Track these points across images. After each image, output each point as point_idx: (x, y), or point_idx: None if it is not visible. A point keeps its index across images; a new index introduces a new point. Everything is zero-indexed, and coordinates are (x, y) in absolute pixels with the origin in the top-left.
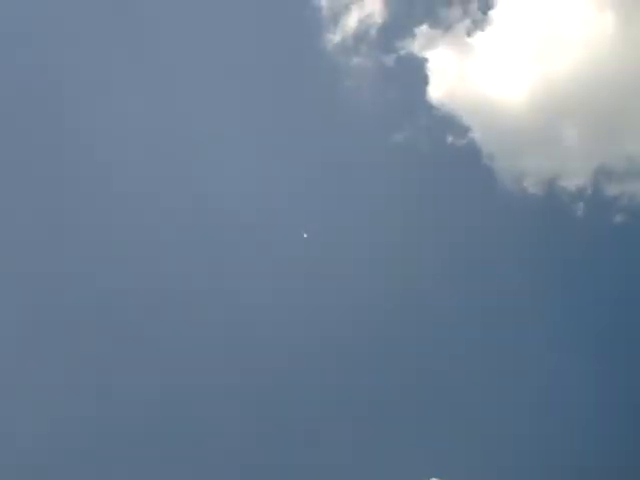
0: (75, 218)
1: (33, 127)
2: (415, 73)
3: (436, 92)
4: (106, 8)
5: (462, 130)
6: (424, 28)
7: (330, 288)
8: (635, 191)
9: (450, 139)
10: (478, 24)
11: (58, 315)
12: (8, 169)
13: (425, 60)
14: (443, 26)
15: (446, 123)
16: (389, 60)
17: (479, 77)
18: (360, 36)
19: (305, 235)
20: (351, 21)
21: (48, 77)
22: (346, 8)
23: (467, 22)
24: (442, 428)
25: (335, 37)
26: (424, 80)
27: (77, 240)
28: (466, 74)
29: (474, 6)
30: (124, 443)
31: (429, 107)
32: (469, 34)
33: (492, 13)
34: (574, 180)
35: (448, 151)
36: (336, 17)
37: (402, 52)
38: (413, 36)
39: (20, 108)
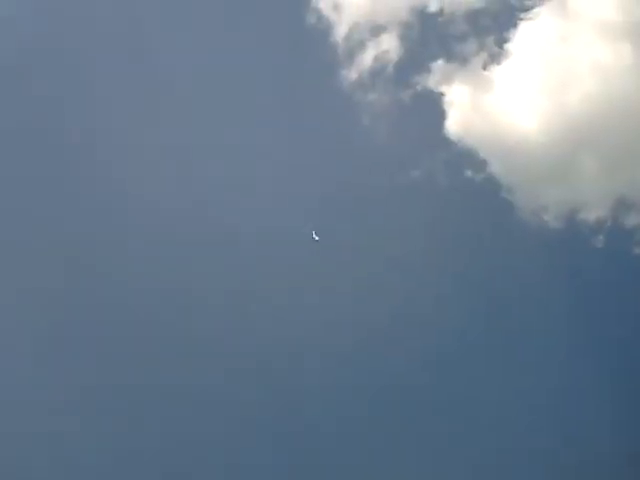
0: None
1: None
2: (432, 108)
3: (453, 126)
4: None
5: (480, 164)
6: (440, 63)
7: (348, 321)
8: None
9: (468, 173)
10: (494, 58)
11: None
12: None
13: (442, 95)
14: (459, 60)
15: (464, 157)
16: (406, 95)
17: (496, 110)
18: (376, 72)
19: (316, 237)
20: (367, 58)
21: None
22: (362, 45)
23: (483, 56)
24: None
25: (352, 74)
26: (441, 115)
27: None
28: (483, 108)
29: (490, 40)
30: None
31: (447, 142)
32: (485, 68)
33: (508, 46)
34: (593, 212)
35: (467, 185)
36: (352, 54)
37: (418, 87)
38: (429, 71)
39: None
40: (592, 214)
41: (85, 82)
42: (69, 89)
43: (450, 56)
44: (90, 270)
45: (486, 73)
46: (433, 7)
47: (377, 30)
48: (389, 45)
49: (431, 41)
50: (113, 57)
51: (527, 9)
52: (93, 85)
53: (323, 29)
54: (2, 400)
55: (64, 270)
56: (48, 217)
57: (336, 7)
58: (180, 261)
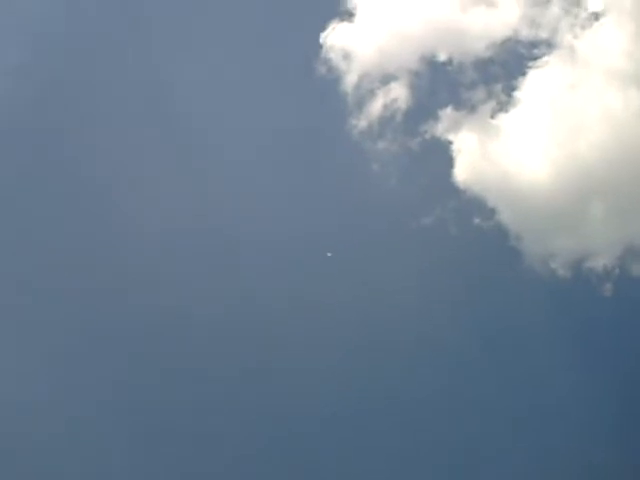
0: None
1: None
2: (440, 155)
3: (462, 174)
4: None
5: (489, 212)
6: (448, 110)
7: (353, 367)
8: None
9: (477, 221)
10: (503, 106)
11: None
12: None
13: (450, 142)
14: (467, 108)
15: (473, 205)
16: (415, 143)
17: (504, 158)
18: (386, 120)
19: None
20: (377, 106)
21: None
22: (371, 93)
23: (492, 104)
24: None
25: (361, 122)
26: (449, 162)
27: None
28: (491, 155)
29: (498, 88)
30: None
31: (455, 190)
32: (493, 116)
33: (517, 94)
34: (601, 260)
35: (475, 233)
36: (362, 102)
37: (427, 135)
38: (437, 119)
39: None
40: (600, 262)
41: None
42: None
43: (458, 104)
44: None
45: (494, 121)
46: (442, 56)
47: (387, 79)
48: (398, 93)
49: (440, 89)
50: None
51: (536, 57)
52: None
53: (333, 78)
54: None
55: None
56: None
57: (346, 56)
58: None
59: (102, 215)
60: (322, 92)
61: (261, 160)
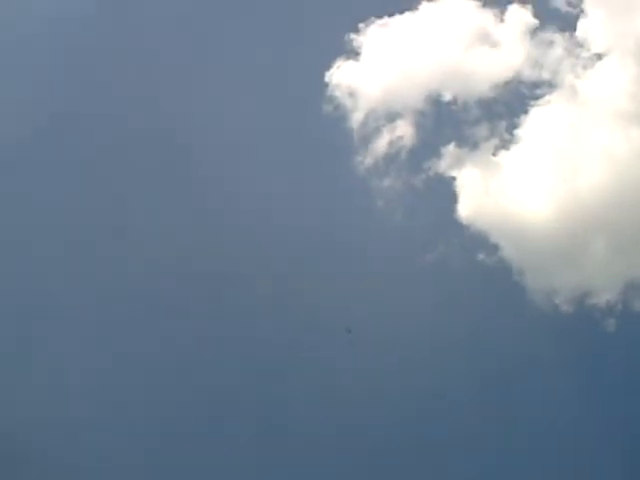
0: None
1: None
2: (444, 192)
3: (465, 211)
4: None
5: (492, 248)
6: (451, 147)
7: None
8: None
9: (481, 257)
10: (505, 143)
11: None
12: None
13: (453, 179)
14: (470, 145)
15: (476, 241)
16: (418, 180)
17: (506, 195)
18: (390, 158)
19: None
20: (382, 143)
21: None
22: (377, 131)
23: (494, 141)
24: None
25: (367, 160)
26: (453, 199)
27: None
28: (493, 192)
29: (501, 126)
30: None
31: (459, 226)
32: (495, 153)
33: (519, 132)
34: (604, 296)
35: (479, 269)
36: (367, 140)
37: (430, 172)
38: (440, 156)
39: None
40: (603, 298)
41: None
42: None
43: (461, 141)
44: None
45: (496, 158)
46: (447, 95)
47: (392, 117)
48: (403, 131)
49: (443, 127)
50: None
51: (538, 97)
52: None
53: (340, 116)
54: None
55: None
56: None
57: (352, 94)
58: None
59: None
60: (328, 129)
61: (268, 195)
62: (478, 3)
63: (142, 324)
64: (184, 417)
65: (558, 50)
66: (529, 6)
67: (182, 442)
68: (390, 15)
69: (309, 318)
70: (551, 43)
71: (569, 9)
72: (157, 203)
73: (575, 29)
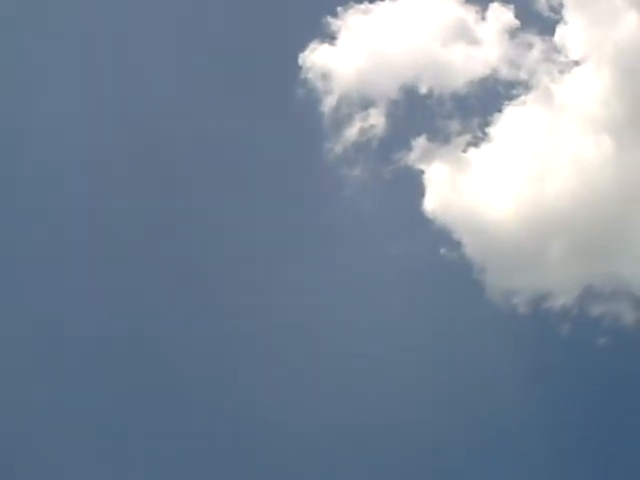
0: None
1: None
2: (411, 185)
3: (430, 205)
4: None
5: (454, 244)
6: (422, 140)
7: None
8: (619, 312)
9: (443, 251)
10: (476, 141)
11: None
12: None
13: (422, 172)
14: (441, 139)
15: (439, 236)
16: (387, 172)
17: (473, 192)
18: (360, 146)
19: None
20: (353, 131)
21: None
22: (349, 117)
23: (466, 137)
24: None
25: (336, 147)
26: (420, 192)
27: None
28: (460, 188)
29: (473, 123)
30: None
31: (424, 219)
32: (465, 150)
33: (490, 131)
34: (560, 300)
35: (441, 264)
36: (338, 126)
37: (400, 164)
38: (411, 148)
39: None
40: (559, 302)
41: None
42: None
43: (433, 135)
44: None
45: (466, 155)
46: (421, 87)
47: (365, 104)
48: (376, 120)
49: (416, 119)
50: None
51: (513, 97)
52: None
53: (312, 99)
54: None
55: None
56: None
57: (326, 77)
58: None
59: None
60: (299, 112)
61: (229, 171)
62: None
63: None
64: None
65: (536, 53)
66: (511, 6)
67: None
68: (371, 1)
69: (261, 303)
70: (530, 45)
71: (550, 14)
72: None
73: (554, 34)
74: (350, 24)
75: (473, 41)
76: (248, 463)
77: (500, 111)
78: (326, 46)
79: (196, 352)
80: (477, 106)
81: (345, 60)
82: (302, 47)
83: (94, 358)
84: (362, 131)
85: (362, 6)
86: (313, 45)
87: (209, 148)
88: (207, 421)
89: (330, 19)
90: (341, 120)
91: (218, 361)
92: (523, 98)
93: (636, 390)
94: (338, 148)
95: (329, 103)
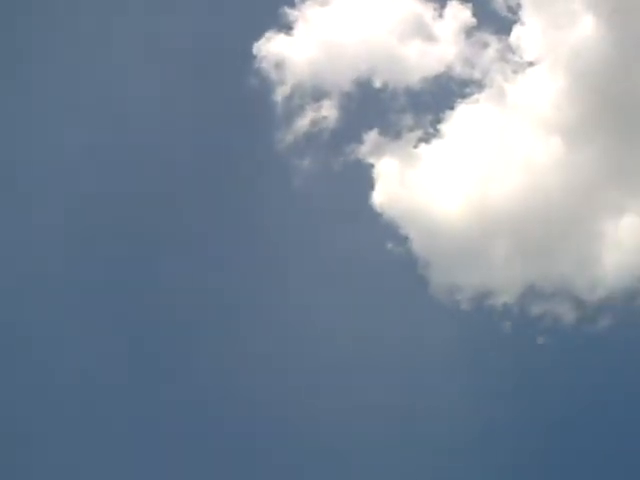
0: None
1: None
2: (361, 178)
3: (379, 199)
4: None
5: (401, 238)
6: (373, 134)
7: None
8: (560, 312)
9: (389, 246)
10: (427, 136)
11: None
12: None
13: (371, 166)
14: (392, 134)
15: (386, 230)
16: (337, 164)
17: (421, 188)
18: (312, 137)
19: None
20: (305, 122)
21: None
22: (302, 108)
23: (417, 133)
24: None
25: (287, 136)
26: (369, 186)
27: None
28: (409, 184)
29: (426, 119)
30: None
31: (372, 213)
32: (416, 145)
33: (442, 128)
34: (502, 298)
35: (387, 258)
36: (290, 116)
37: (350, 157)
38: (362, 141)
39: None
40: (500, 300)
41: None
42: None
43: (384, 129)
44: None
45: (417, 150)
46: (377, 82)
47: (318, 95)
48: (328, 112)
49: (369, 113)
50: None
51: (466, 95)
52: None
53: (264, 88)
54: None
55: None
56: None
57: (279, 67)
58: None
59: None
60: (251, 101)
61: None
62: None
63: None
64: None
65: (491, 52)
66: (469, 5)
67: None
68: None
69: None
70: (485, 44)
71: (508, 14)
72: None
73: (510, 34)
74: (307, 15)
75: (429, 38)
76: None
77: (453, 108)
78: (282, 36)
79: None
80: (430, 102)
81: (300, 51)
82: (257, 36)
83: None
84: (314, 122)
85: None
86: (269, 34)
87: (160, 134)
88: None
89: (287, 9)
90: (293, 110)
91: None
92: (476, 96)
93: (573, 387)
94: (289, 138)
95: (282, 92)
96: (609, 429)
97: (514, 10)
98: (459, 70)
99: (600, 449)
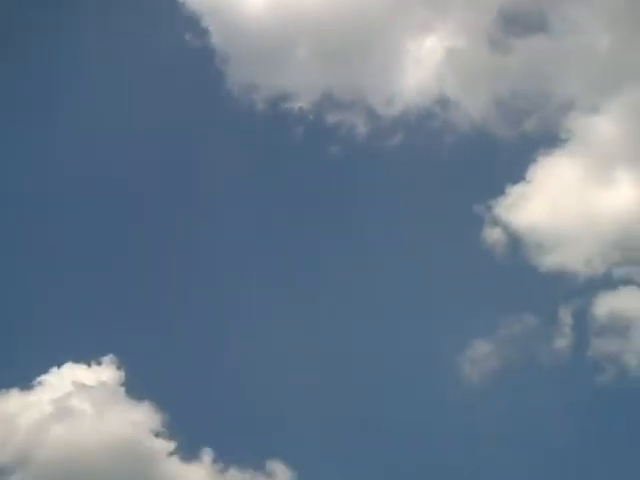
0: None
1: None
2: None
3: None
4: None
5: (201, 31)
6: None
7: None
8: (354, 123)
9: (188, 37)
10: None
11: None
12: None
13: None
14: None
15: (188, 21)
16: None
17: None
18: None
19: None
20: None
21: None
22: None
23: None
24: None
25: None
26: None
27: None
28: None
29: None
30: None
31: (173, 2)
32: None
33: None
34: (299, 102)
35: (184, 49)
36: None
37: None
38: None
39: None
40: (297, 104)
41: None
42: None
43: None
44: None
45: None
46: None
47: None
48: None
49: None
50: None
51: None
52: None
53: None
54: None
55: None
56: None
57: None
58: None
59: None
60: None
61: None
62: None
63: None
64: None
65: None
66: None
67: None
68: None
69: None
70: None
71: None
72: None
73: None
74: None
75: None
76: None
77: None
78: None
79: None
80: None
81: None
82: None
83: None
84: None
85: None
86: None
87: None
88: None
89: None
90: None
91: None
92: None
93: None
94: None
95: None
96: None
97: None
98: None
99: None
